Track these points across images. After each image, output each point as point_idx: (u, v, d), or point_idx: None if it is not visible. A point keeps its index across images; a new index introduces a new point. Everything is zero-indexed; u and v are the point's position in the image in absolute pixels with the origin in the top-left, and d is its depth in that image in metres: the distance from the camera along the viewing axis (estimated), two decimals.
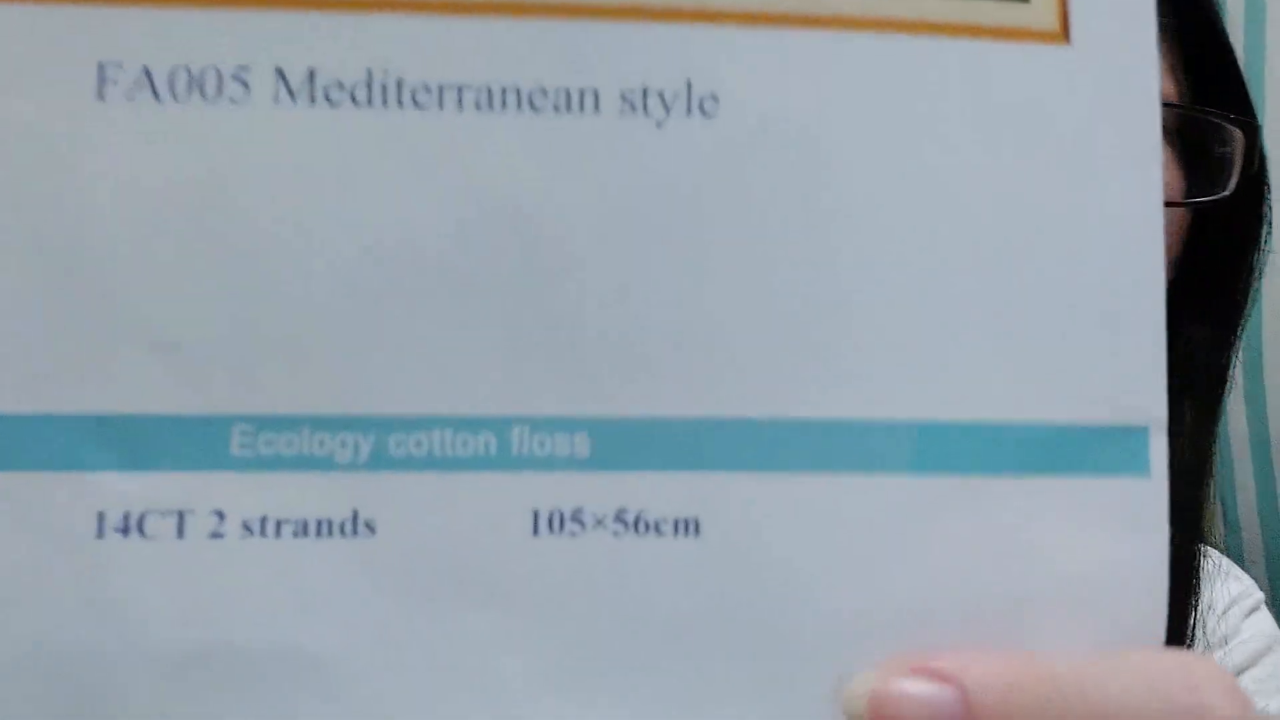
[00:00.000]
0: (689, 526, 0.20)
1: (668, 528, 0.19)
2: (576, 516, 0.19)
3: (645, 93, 0.20)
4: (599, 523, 0.19)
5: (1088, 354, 0.20)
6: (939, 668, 0.18)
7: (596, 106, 0.20)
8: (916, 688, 0.18)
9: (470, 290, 0.20)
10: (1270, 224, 0.47)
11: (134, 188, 0.19)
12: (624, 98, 0.20)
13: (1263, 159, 0.44)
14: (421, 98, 0.20)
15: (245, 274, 0.19)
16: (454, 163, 0.20)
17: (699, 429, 0.20)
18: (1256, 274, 0.47)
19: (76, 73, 0.19)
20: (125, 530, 0.19)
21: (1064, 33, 0.21)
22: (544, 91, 0.20)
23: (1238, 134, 0.42)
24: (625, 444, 0.20)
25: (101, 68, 0.19)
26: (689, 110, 0.20)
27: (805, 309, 0.20)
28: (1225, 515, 0.89)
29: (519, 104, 0.20)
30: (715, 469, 0.20)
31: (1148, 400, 0.20)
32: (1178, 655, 0.19)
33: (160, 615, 0.19)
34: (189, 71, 0.19)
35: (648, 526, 0.19)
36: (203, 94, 0.19)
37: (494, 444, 0.19)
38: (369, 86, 0.20)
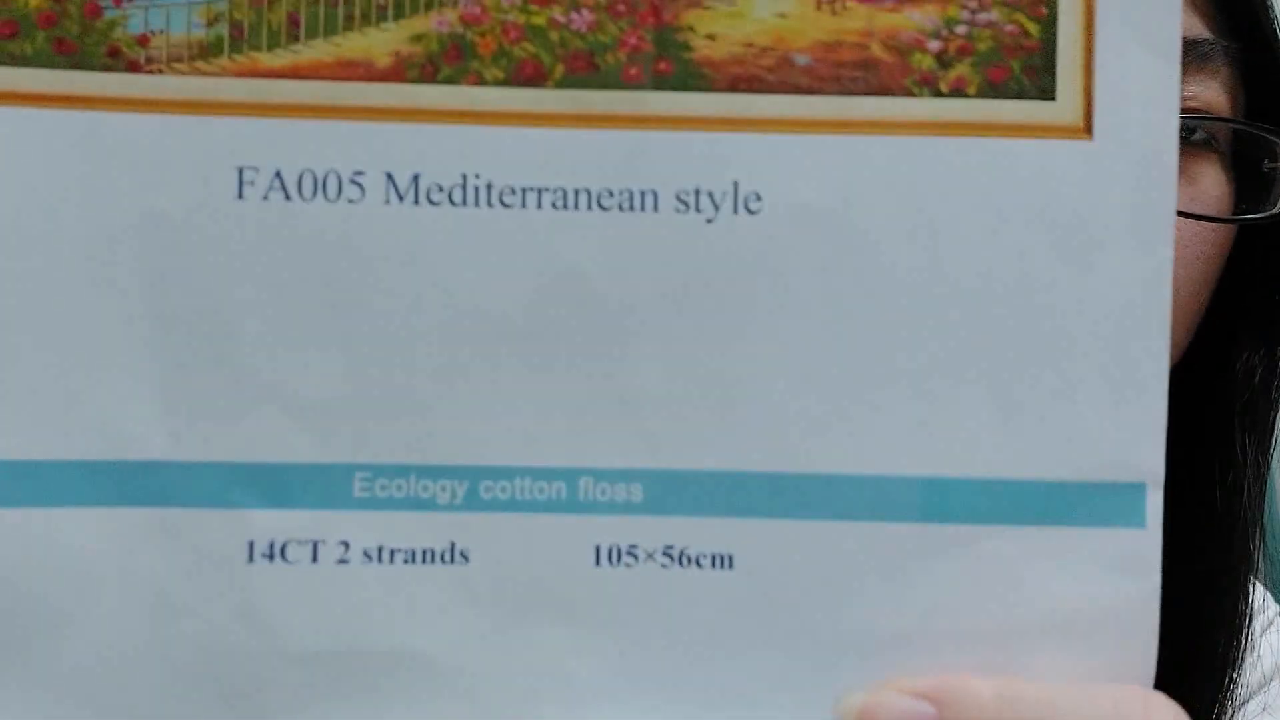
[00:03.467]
0: (724, 561, 0.24)
1: (706, 562, 0.24)
2: (631, 551, 0.24)
3: (697, 193, 0.23)
4: (649, 556, 0.24)
5: (1093, 420, 0.23)
6: (921, 687, 0.22)
7: (656, 205, 0.23)
8: (898, 701, 0.22)
9: (547, 361, 0.23)
10: None
11: (271, 274, 0.23)
12: (679, 197, 0.23)
13: None
14: (508, 199, 0.23)
15: (362, 348, 0.23)
16: (535, 253, 0.23)
17: (734, 480, 0.24)
18: None
19: (219, 175, 0.23)
20: (270, 556, 0.23)
21: (1087, 128, 0.23)
22: (610, 193, 0.23)
23: None
24: (673, 492, 0.23)
25: (240, 171, 0.23)
26: (735, 208, 0.23)
27: (830, 379, 0.23)
28: None
29: (590, 203, 0.23)
30: (747, 515, 0.23)
31: (1147, 459, 0.23)
32: (1139, 691, 0.23)
33: (299, 624, 0.23)
34: (314, 175, 0.23)
35: (690, 560, 0.24)
36: (325, 195, 0.23)
37: (564, 490, 0.23)
38: (464, 189, 0.23)
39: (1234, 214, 0.42)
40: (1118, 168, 0.23)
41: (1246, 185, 0.42)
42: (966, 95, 0.23)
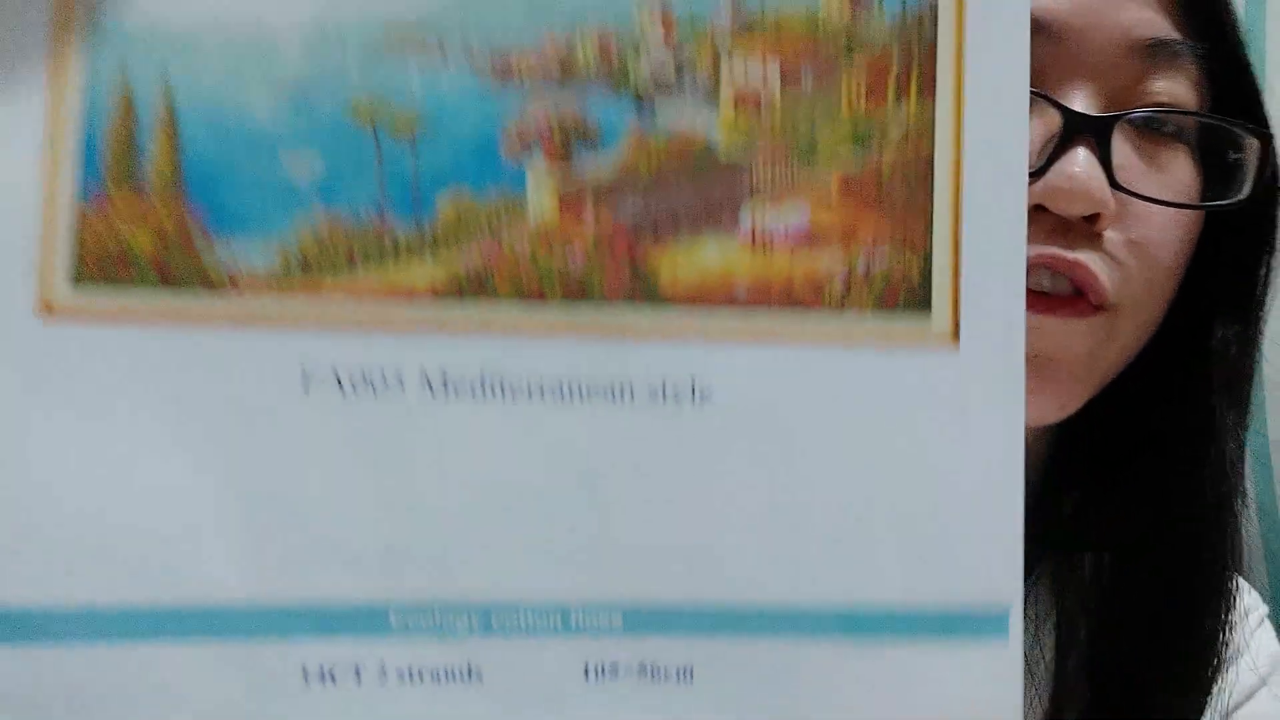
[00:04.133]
0: (687, 674, 0.30)
1: (673, 673, 0.30)
2: (613, 669, 0.30)
3: (664, 386, 0.30)
4: (628, 672, 0.30)
5: (967, 558, 0.31)
6: None
7: (632, 396, 0.30)
8: None
9: (548, 518, 0.30)
10: None
11: (329, 452, 0.29)
12: (650, 389, 0.30)
13: (1275, 167, 0.47)
14: (517, 391, 0.30)
15: (400, 512, 0.29)
16: (538, 431, 0.30)
17: (694, 607, 0.30)
18: (1274, 274, 0.50)
19: (287, 374, 0.29)
20: (322, 679, 0.29)
21: (954, 336, 0.31)
22: (597, 386, 0.30)
23: (1254, 143, 0.45)
24: (646, 618, 0.30)
25: (304, 371, 0.29)
26: (693, 400, 0.30)
27: (767, 530, 0.30)
28: None
29: (581, 395, 0.30)
30: (704, 635, 0.30)
31: (1009, 585, 0.31)
32: None
33: None
34: (363, 373, 0.29)
35: (660, 674, 0.30)
36: (373, 389, 0.29)
37: (560, 619, 0.30)
38: (482, 383, 0.30)
39: (1202, 201, 0.46)
40: (977, 369, 0.31)
41: (1214, 175, 0.46)
42: (865, 314, 0.31)
